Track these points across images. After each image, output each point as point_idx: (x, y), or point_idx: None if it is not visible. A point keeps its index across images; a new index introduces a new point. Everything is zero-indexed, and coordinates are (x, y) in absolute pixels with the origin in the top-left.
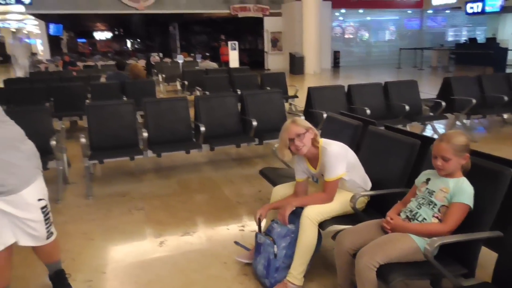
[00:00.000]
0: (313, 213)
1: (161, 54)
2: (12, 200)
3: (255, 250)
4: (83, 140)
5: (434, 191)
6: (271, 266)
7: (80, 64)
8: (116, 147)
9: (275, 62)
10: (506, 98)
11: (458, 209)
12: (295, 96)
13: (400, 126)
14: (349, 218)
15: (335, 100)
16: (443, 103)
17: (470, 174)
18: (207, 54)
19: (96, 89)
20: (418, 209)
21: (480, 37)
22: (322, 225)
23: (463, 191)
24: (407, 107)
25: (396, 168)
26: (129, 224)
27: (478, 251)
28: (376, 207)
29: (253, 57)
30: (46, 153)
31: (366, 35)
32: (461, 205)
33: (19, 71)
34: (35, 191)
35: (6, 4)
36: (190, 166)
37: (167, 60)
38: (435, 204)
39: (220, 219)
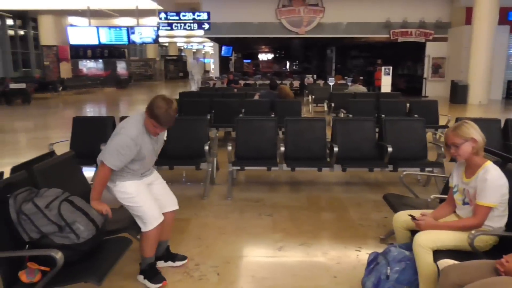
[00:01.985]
0: (425, 240)
1: (315, 76)
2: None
3: (367, 267)
4: (229, 148)
5: None
6: (380, 286)
7: (241, 82)
8: (257, 157)
9: (434, 89)
10: None
11: None
12: (446, 126)
13: None
14: (468, 256)
15: (488, 134)
16: None
17: None
18: (361, 77)
19: (249, 105)
20: None
21: None
22: (435, 255)
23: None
24: None
25: None
26: (257, 227)
27: None
28: (505, 251)
29: (411, 83)
30: (200, 156)
31: None
32: None
33: (194, 86)
34: None
35: (191, 29)
36: (321, 184)
37: (320, 82)
38: None
39: (340, 237)
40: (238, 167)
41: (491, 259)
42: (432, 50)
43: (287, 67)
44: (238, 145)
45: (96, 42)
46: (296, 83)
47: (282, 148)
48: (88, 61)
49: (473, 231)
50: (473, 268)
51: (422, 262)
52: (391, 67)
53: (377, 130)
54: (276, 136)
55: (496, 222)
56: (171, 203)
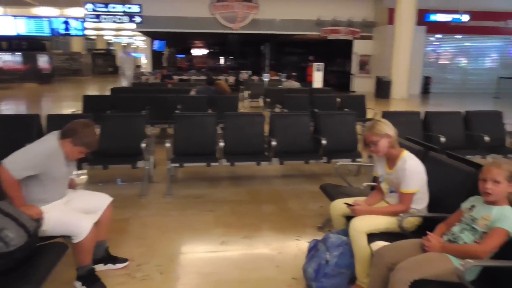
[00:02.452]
0: (360, 225)
1: (249, 72)
2: None
3: (308, 254)
4: (168, 145)
5: (477, 218)
6: (320, 271)
7: (176, 77)
8: (196, 153)
9: (361, 85)
10: None
11: (496, 234)
12: (372, 120)
13: (478, 158)
14: (398, 237)
15: (410, 126)
16: None
17: None
18: (293, 73)
19: (186, 101)
20: (461, 233)
21: None
22: (369, 238)
23: (505, 217)
24: (486, 138)
25: (451, 194)
26: (199, 223)
27: None
28: (430, 229)
29: (340, 79)
30: (136, 154)
31: (462, 61)
32: (500, 230)
33: (125, 81)
34: None
35: (121, 22)
36: (261, 178)
37: (255, 78)
38: (477, 231)
39: (281, 228)
40: (177, 164)
41: (418, 238)
42: (359, 47)
43: (222, 62)
44: (177, 141)
45: (13, 33)
46: (232, 79)
47: (222, 144)
48: (4, 53)
49: (401, 214)
50: (403, 247)
51: (357, 245)
52: (322, 64)
53: (312, 124)
54: (215, 132)
55: (419, 204)
56: (102, 200)
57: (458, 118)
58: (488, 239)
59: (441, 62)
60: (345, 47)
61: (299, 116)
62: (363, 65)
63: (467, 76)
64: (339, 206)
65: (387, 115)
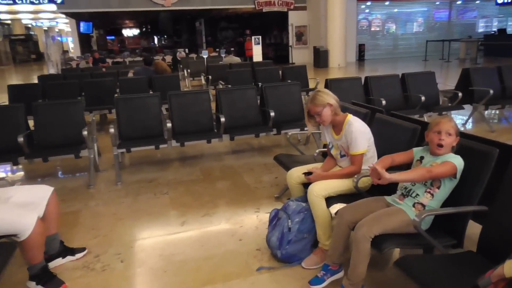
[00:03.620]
0: (318, 190)
1: (187, 50)
2: None
3: (270, 224)
4: (112, 130)
5: (426, 165)
6: (284, 238)
7: (109, 60)
8: (143, 137)
9: (299, 56)
10: None
11: (443, 164)
12: (315, 89)
13: (416, 116)
14: (354, 197)
15: (352, 91)
16: (460, 94)
17: (461, 154)
18: (232, 49)
19: (124, 84)
20: (412, 185)
21: (511, 28)
22: (327, 201)
23: (452, 157)
24: (423, 98)
25: (399, 151)
26: (155, 206)
27: (465, 223)
28: (380, 188)
29: (278, 52)
30: (79, 143)
31: (392, 27)
32: (448, 162)
33: (52, 68)
34: None
35: (40, 3)
36: (213, 155)
37: (193, 55)
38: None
39: (239, 202)
40: (124, 149)
41: (374, 196)
42: (294, 19)
43: (156, 42)
44: (121, 126)
45: None
46: (168, 58)
47: (169, 124)
48: None
49: (356, 176)
50: (362, 206)
51: (317, 209)
52: (260, 37)
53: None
54: (160, 113)
55: (370, 164)
56: (43, 191)
57: (395, 81)
58: (436, 167)
59: (373, 29)
60: (281, 19)
61: (245, 90)
62: (300, 36)
63: (398, 42)
64: (295, 174)
65: (330, 82)
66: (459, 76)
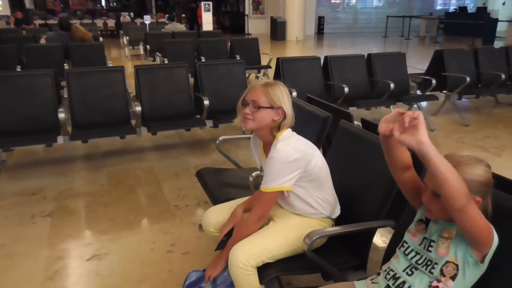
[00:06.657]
0: (244, 258)
1: (132, 14)
2: None
3: None
4: None
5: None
6: None
7: (38, 21)
8: (30, 132)
9: (256, 26)
10: (503, 76)
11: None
12: (268, 67)
13: (383, 107)
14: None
15: (309, 74)
16: (434, 81)
17: None
18: (183, 15)
19: (31, 52)
20: (408, 274)
21: (471, 6)
22: (262, 272)
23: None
24: (392, 85)
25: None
26: (24, 240)
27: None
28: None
29: (235, 21)
30: None
31: (353, 0)
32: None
33: None
34: None
35: None
36: (131, 152)
37: (138, 20)
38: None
39: (147, 233)
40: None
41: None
42: None
43: (103, 4)
44: None
45: None
46: (111, 22)
47: (62, 115)
48: None
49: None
50: None
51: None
52: (210, 3)
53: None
54: (54, 96)
55: (336, 206)
56: None
57: (361, 63)
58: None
59: (333, 1)
60: None
61: (172, 68)
62: (257, 5)
63: (358, 15)
64: (215, 219)
65: (282, 63)
66: (431, 58)
